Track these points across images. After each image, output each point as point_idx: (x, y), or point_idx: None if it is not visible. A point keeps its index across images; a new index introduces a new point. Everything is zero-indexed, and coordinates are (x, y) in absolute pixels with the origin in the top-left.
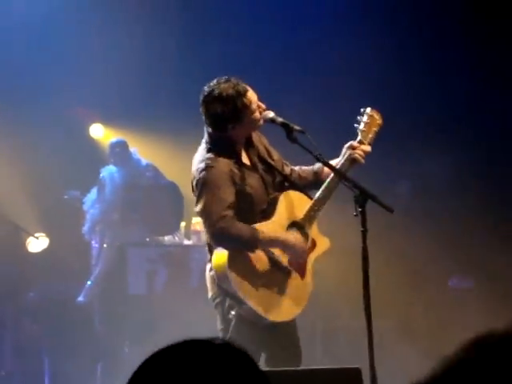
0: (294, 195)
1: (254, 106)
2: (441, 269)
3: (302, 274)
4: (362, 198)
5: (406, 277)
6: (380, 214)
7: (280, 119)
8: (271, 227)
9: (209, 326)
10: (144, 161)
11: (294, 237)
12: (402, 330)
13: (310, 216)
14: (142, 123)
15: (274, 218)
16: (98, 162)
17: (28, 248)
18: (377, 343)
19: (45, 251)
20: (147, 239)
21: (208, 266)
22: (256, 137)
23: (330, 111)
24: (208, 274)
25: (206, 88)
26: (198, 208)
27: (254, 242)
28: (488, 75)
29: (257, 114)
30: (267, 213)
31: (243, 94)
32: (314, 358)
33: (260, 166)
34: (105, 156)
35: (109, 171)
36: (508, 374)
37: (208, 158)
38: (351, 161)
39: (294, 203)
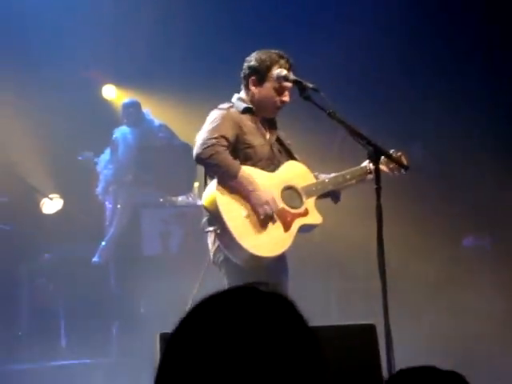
0: (300, 168)
1: (278, 82)
2: (455, 228)
3: (286, 228)
4: (376, 154)
5: (419, 236)
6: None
7: (293, 77)
8: (259, 174)
9: (223, 285)
10: (157, 121)
11: (269, 190)
12: (417, 289)
13: (310, 190)
14: (155, 84)
15: (270, 174)
16: (112, 123)
17: (42, 209)
18: (392, 302)
19: (59, 212)
20: (161, 200)
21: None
22: (282, 132)
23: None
24: (208, 238)
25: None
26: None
27: (233, 173)
28: None
29: (276, 89)
30: (269, 170)
31: (274, 63)
32: (329, 316)
33: (273, 142)
34: (118, 117)
35: (122, 132)
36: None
37: (223, 105)
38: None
39: (297, 173)
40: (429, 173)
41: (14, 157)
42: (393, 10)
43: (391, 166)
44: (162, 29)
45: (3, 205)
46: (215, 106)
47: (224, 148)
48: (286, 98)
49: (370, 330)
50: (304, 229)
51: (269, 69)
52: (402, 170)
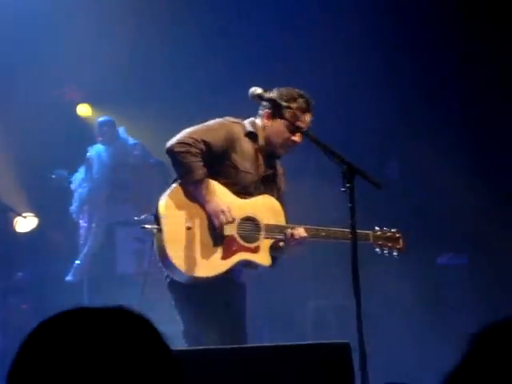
0: (274, 206)
1: (295, 124)
2: (430, 246)
3: (225, 255)
4: (350, 173)
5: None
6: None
7: (267, 95)
8: (224, 193)
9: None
10: (132, 140)
11: (226, 206)
12: (392, 307)
13: (272, 231)
14: (130, 102)
15: (237, 199)
16: (86, 140)
17: (16, 228)
18: (366, 320)
19: (33, 231)
20: (135, 218)
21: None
22: (280, 168)
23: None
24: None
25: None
26: None
27: (195, 178)
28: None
29: (288, 127)
30: (239, 194)
31: (292, 101)
32: (304, 335)
33: (263, 175)
34: (93, 135)
35: (96, 150)
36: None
37: (230, 118)
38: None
39: (268, 208)
40: (404, 189)
41: None
42: (368, 28)
43: (380, 242)
44: (139, 46)
45: None
46: (190, 125)
47: (198, 151)
48: (297, 139)
49: (344, 348)
50: (246, 264)
51: (286, 106)
52: (395, 252)
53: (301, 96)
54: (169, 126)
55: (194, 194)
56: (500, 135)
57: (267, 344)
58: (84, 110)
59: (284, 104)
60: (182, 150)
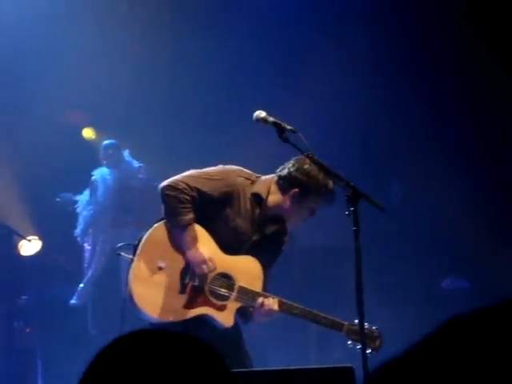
0: (256, 270)
1: (312, 211)
2: (434, 269)
3: (188, 306)
4: (354, 196)
5: (397, 276)
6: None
7: (271, 119)
8: (207, 243)
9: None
10: (136, 163)
11: (200, 253)
12: (394, 331)
13: (245, 295)
14: (135, 125)
15: (219, 252)
16: (91, 164)
17: (20, 251)
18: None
19: (37, 254)
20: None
21: None
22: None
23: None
24: None
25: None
26: None
27: (179, 224)
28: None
29: (304, 218)
30: (223, 249)
31: (323, 194)
32: (308, 359)
33: (256, 241)
34: (97, 158)
35: (101, 173)
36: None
37: (240, 171)
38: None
39: (248, 271)
40: (407, 212)
41: None
42: (369, 45)
43: (353, 337)
44: (143, 71)
45: None
46: (193, 148)
47: (188, 198)
48: (312, 215)
49: (347, 372)
50: (208, 319)
51: (316, 191)
52: (372, 347)
53: (322, 190)
54: (174, 150)
55: (176, 237)
56: (500, 157)
57: (270, 368)
58: (89, 133)
59: (314, 192)
60: (171, 193)
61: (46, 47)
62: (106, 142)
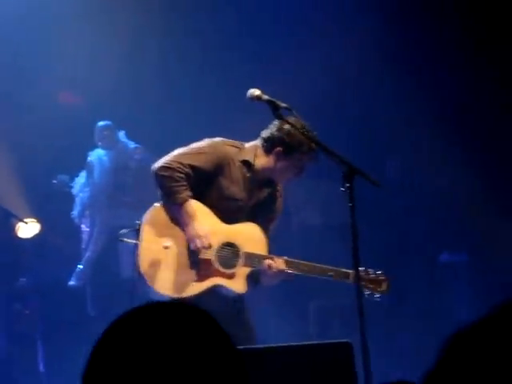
0: (257, 234)
1: (299, 169)
2: (432, 243)
3: (200, 279)
4: (350, 173)
5: (396, 250)
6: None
7: (266, 97)
8: (206, 216)
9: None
10: (132, 143)
11: (202, 229)
12: (394, 305)
13: (252, 259)
14: (132, 105)
15: (219, 222)
16: (87, 145)
17: (18, 234)
18: (369, 319)
19: (35, 236)
20: (137, 222)
21: None
22: (279, 187)
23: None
24: None
25: (297, 119)
26: None
27: (176, 201)
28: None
29: (292, 175)
30: (223, 219)
31: (305, 152)
32: (307, 335)
33: (252, 205)
34: (93, 139)
35: (97, 154)
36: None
37: (226, 140)
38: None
39: (250, 236)
40: (404, 187)
41: None
42: (374, 27)
43: (371, 285)
44: (135, 52)
45: None
46: (192, 131)
47: (182, 175)
48: (299, 175)
49: (346, 348)
50: (221, 289)
51: (298, 148)
52: (376, 295)
53: (302, 146)
54: (170, 130)
55: (175, 215)
56: (500, 135)
57: (267, 345)
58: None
59: (296, 149)
60: (165, 174)
61: (41, 26)
62: (100, 123)
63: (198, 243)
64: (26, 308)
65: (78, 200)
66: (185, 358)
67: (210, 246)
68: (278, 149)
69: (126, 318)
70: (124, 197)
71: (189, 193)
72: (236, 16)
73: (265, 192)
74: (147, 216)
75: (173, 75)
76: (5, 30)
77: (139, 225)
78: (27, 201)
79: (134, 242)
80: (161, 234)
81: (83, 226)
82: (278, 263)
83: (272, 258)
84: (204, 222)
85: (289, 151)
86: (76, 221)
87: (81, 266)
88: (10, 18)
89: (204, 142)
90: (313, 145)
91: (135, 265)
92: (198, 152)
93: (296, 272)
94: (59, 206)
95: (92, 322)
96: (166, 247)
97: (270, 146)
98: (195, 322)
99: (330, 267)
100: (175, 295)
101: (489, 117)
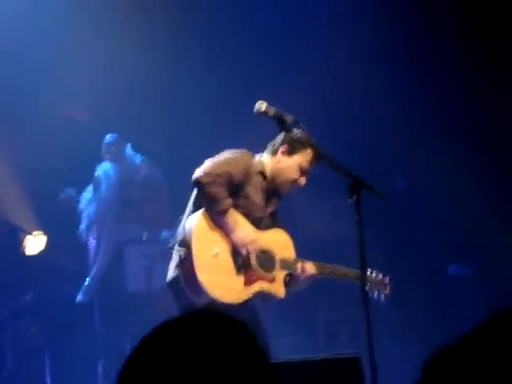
0: (285, 239)
1: (302, 171)
2: (439, 256)
3: (247, 283)
4: (357, 186)
5: (404, 265)
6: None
7: (272, 110)
8: (246, 224)
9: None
10: (139, 156)
11: (249, 235)
12: (402, 319)
13: (287, 264)
14: (137, 119)
15: (255, 229)
16: (94, 159)
17: (26, 249)
18: (377, 332)
19: (42, 252)
20: (144, 236)
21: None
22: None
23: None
24: (173, 257)
25: (303, 132)
26: None
27: (221, 209)
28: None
29: (298, 176)
30: (255, 223)
31: (309, 151)
32: (316, 348)
33: (269, 208)
34: (100, 153)
35: (104, 168)
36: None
37: (243, 150)
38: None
39: (280, 242)
40: (411, 200)
41: None
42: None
43: (377, 288)
44: (142, 63)
45: None
46: (196, 143)
47: (224, 183)
48: (303, 182)
49: (355, 362)
50: (263, 296)
51: (302, 146)
52: (384, 294)
53: (313, 147)
54: (176, 144)
55: (218, 222)
56: (506, 147)
57: (278, 359)
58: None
59: (300, 147)
60: (209, 180)
61: (47, 44)
62: (107, 136)
63: (249, 250)
64: (32, 325)
65: (84, 215)
66: (219, 371)
67: (259, 247)
68: (283, 147)
69: (165, 328)
70: (130, 211)
71: (230, 200)
72: (241, 24)
73: (274, 203)
74: (194, 226)
75: (179, 87)
76: (12, 40)
77: (184, 235)
78: (34, 216)
79: (184, 251)
80: (208, 241)
81: (90, 238)
82: (309, 267)
83: (303, 262)
84: (247, 229)
85: (293, 148)
86: (83, 236)
87: (88, 282)
88: (18, 30)
89: (228, 153)
90: (317, 145)
91: (185, 276)
92: (232, 161)
93: (322, 275)
94: (66, 221)
95: (100, 337)
96: (216, 254)
97: (276, 147)
98: (233, 335)
99: (352, 269)
100: (233, 301)
101: (498, 129)
